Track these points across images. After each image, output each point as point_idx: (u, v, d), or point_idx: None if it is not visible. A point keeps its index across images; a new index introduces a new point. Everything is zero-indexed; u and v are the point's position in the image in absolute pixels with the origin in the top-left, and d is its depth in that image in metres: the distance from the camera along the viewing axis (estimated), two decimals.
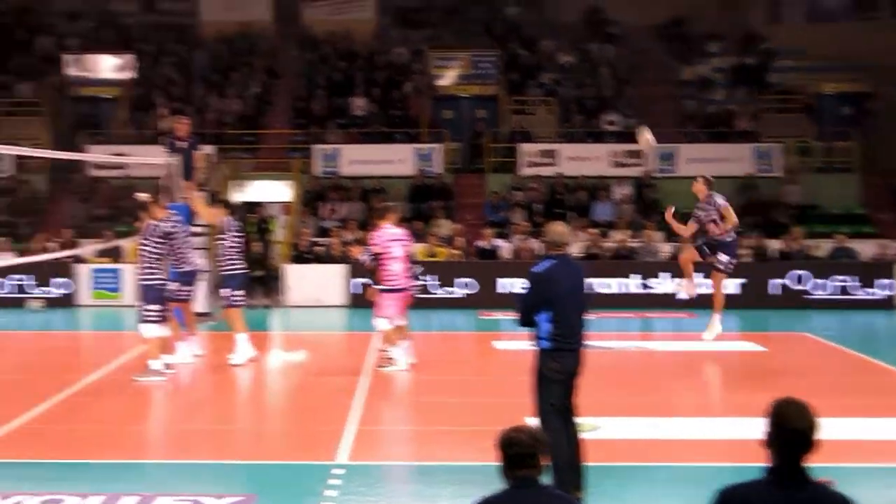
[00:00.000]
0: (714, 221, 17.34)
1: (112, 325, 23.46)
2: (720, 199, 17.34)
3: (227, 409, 14.49)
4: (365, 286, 19.32)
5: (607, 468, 10.70)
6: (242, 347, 17.19)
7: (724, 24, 37.16)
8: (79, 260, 25.87)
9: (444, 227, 28.05)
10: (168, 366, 16.01)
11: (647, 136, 17.96)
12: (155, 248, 15.62)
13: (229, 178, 31.10)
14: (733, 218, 17.23)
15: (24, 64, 35.73)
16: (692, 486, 10.27)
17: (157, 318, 15.59)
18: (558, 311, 9.28)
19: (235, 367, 17.01)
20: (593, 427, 12.29)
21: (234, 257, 17.37)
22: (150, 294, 15.60)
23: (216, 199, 19.64)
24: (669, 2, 36.92)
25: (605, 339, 18.84)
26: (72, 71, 35.07)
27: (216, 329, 19.13)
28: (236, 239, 17.46)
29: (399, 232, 16.49)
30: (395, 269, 16.13)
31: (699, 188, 17.53)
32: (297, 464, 11.37)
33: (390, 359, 16.46)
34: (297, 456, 11.67)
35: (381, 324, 16.45)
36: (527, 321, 9.45)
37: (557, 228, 9.67)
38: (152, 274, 15.60)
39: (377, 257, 16.13)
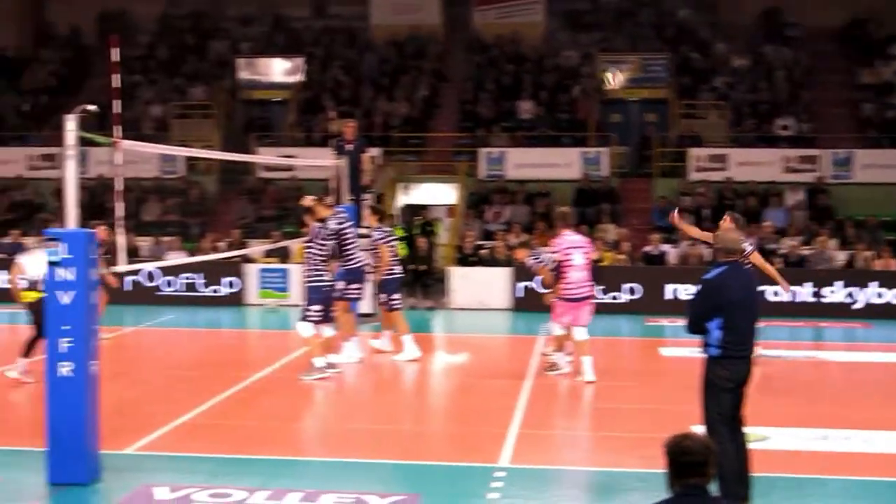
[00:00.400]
0: None
1: (279, 324, 23.76)
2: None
3: (390, 409, 14.49)
4: (543, 294, 18.79)
5: (775, 479, 10.41)
6: (409, 347, 17.36)
7: None
8: (247, 260, 26.28)
9: (610, 231, 27.74)
10: (332, 365, 16.10)
11: None
12: (320, 249, 15.79)
13: (395, 181, 31.33)
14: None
15: (198, 68, 36.54)
16: (863, 501, 9.95)
17: (317, 318, 15.76)
18: (729, 318, 9.05)
19: (400, 364, 17.12)
20: (762, 437, 11.97)
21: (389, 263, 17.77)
22: (315, 295, 15.77)
23: (375, 207, 19.97)
24: (849, 3, 35.86)
25: (775, 349, 18.38)
26: (244, 74, 35.74)
27: (377, 330, 19.21)
28: (391, 244, 18.00)
29: (579, 239, 15.92)
30: (575, 278, 15.41)
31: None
32: (460, 465, 11.29)
33: (554, 363, 16.13)
34: (460, 457, 11.59)
35: (554, 328, 15.97)
36: (696, 328, 9.24)
37: (730, 235, 9.47)
38: (318, 275, 15.75)
39: (558, 265, 15.52)
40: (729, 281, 9.11)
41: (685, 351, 19.01)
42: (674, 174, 31.35)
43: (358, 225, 19.17)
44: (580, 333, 15.62)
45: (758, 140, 31.93)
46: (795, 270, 25.26)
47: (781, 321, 22.65)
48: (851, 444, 12.20)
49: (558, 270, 15.50)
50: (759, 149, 31.30)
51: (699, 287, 9.28)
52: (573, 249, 15.45)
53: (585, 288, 15.53)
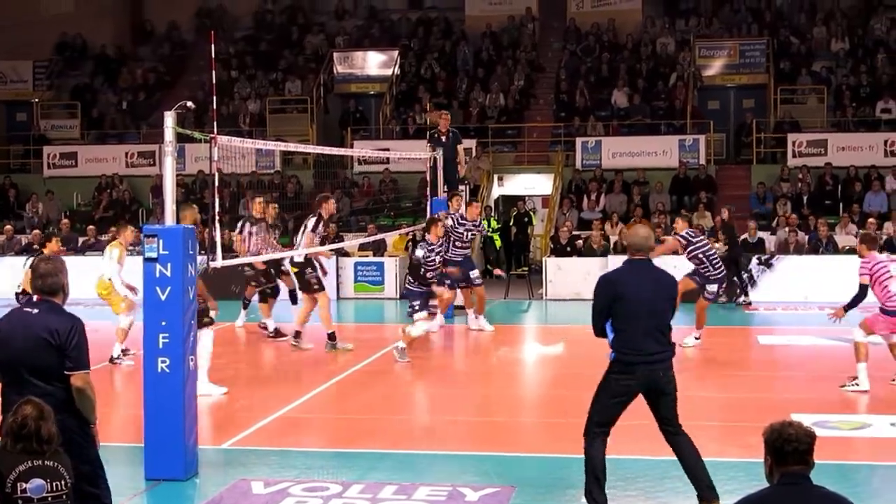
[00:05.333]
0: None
1: (375, 317, 23.85)
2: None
3: (485, 401, 14.49)
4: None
5: (875, 467, 10.25)
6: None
7: None
8: (343, 253, 26.39)
9: (707, 219, 27.45)
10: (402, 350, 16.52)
11: None
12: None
13: (491, 172, 31.31)
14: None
15: (294, 62, 36.80)
16: None
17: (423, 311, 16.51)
18: (620, 318, 8.90)
19: (497, 355, 17.19)
20: (861, 424, 11.84)
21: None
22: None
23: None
24: None
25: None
26: (339, 68, 35.92)
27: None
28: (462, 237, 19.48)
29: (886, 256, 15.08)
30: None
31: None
32: (555, 456, 11.25)
33: (856, 378, 14.15)
34: (555, 448, 11.54)
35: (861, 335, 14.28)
36: (596, 328, 9.21)
37: (639, 231, 9.08)
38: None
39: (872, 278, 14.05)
40: (624, 277, 8.86)
41: (784, 339, 18.79)
42: (772, 160, 30.99)
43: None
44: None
45: (858, 124, 31.42)
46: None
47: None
48: None
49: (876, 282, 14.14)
50: (860, 133, 30.80)
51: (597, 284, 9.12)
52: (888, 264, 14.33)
53: None
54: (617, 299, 8.75)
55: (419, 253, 16.77)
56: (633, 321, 8.74)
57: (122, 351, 16.68)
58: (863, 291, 14.03)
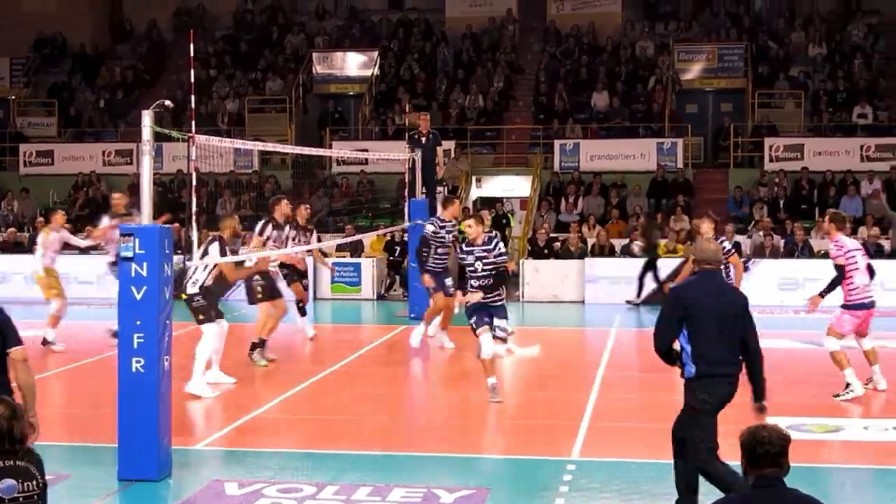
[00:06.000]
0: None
1: (351, 318, 23.84)
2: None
3: (460, 403, 14.49)
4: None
5: (848, 470, 10.33)
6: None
7: None
8: (320, 254, 26.32)
9: (685, 223, 27.55)
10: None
11: None
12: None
13: (469, 174, 31.33)
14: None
15: (274, 62, 36.76)
16: None
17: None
18: (698, 331, 8.61)
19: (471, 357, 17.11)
20: (835, 428, 11.90)
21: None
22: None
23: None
24: None
25: (848, 339, 18.11)
26: (319, 68, 35.89)
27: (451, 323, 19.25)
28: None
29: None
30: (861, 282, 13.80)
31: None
32: (530, 458, 11.29)
33: (848, 385, 13.91)
34: (531, 451, 11.58)
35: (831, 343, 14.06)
36: (661, 344, 8.78)
37: (710, 245, 9.08)
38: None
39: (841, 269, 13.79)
40: (697, 289, 8.67)
41: (767, 342, 18.77)
42: (750, 164, 31.15)
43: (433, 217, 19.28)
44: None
45: (835, 129, 31.58)
46: None
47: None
48: None
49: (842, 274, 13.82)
50: (836, 138, 30.95)
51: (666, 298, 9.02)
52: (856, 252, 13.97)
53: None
54: (690, 313, 8.52)
55: (429, 228, 16.84)
56: (710, 333, 8.51)
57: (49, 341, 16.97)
58: (840, 273, 13.67)
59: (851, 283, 13.67)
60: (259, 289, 16.20)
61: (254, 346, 16.28)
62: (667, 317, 8.66)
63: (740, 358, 8.63)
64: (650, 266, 24.44)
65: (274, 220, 16.56)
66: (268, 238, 16.32)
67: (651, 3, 37.53)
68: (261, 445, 11.83)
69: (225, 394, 14.46)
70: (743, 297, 8.86)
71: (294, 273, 17.97)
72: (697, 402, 8.56)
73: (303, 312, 18.52)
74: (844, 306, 13.81)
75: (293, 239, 17.06)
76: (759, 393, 8.70)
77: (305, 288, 18.72)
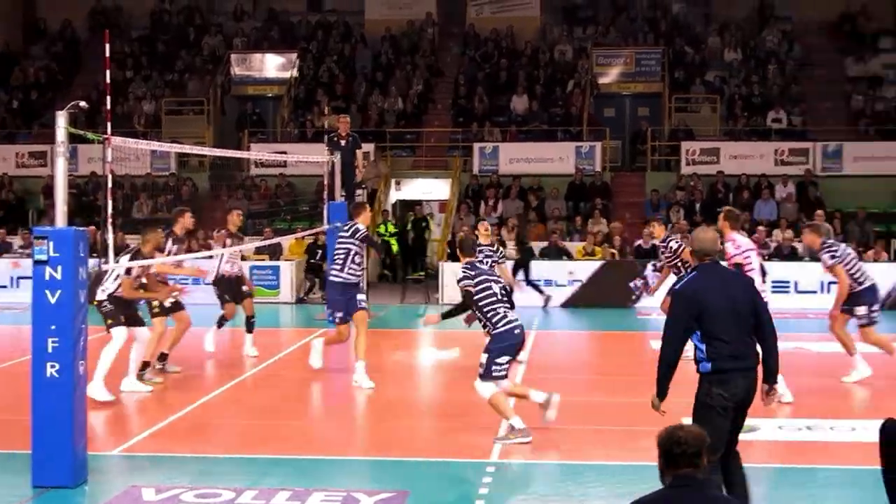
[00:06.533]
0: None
1: (270, 321, 23.68)
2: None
3: (379, 406, 14.46)
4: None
5: (762, 469, 10.56)
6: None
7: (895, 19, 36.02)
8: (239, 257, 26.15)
9: (603, 225, 27.77)
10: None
11: None
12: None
13: (388, 176, 31.31)
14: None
15: (191, 63, 36.47)
16: (850, 489, 10.16)
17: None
18: (711, 327, 8.23)
19: (390, 361, 17.06)
20: (750, 428, 12.01)
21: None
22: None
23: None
24: None
25: None
26: (237, 70, 35.68)
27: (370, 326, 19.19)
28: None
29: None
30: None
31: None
32: (450, 461, 11.29)
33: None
34: (451, 453, 11.58)
35: None
36: (672, 347, 8.38)
37: (707, 235, 8.64)
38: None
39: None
40: (703, 286, 8.30)
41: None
42: (667, 168, 31.46)
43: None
44: None
45: (749, 133, 32.00)
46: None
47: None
48: (837, 434, 12.29)
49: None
50: (751, 142, 31.38)
51: (672, 298, 8.59)
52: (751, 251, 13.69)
53: None
54: (702, 311, 8.15)
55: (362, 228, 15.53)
56: (724, 327, 8.16)
57: None
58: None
59: None
60: (156, 303, 15.29)
61: (145, 366, 15.11)
62: (679, 320, 8.25)
63: (757, 350, 8.31)
64: (521, 266, 24.55)
65: (174, 234, 15.51)
66: (168, 253, 15.24)
67: (569, 8, 37.77)
68: (179, 450, 11.69)
69: (141, 399, 14.30)
70: (748, 279, 8.72)
71: (231, 289, 17.35)
72: (713, 397, 8.16)
73: (250, 328, 17.75)
74: None
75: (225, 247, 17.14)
76: (772, 375, 8.39)
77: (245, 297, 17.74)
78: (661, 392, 8.34)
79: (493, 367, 11.46)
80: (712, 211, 28.64)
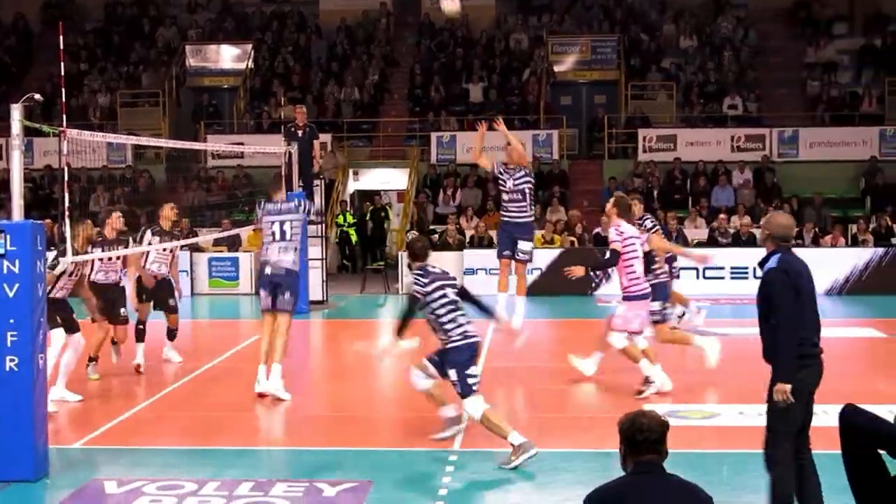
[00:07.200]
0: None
1: (230, 313, 23.64)
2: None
3: (341, 397, 14.45)
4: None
5: (724, 455, 10.74)
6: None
7: (850, 6, 36.25)
8: (196, 249, 26.07)
9: (561, 213, 27.82)
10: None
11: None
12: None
13: (346, 167, 31.26)
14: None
15: (146, 55, 36.25)
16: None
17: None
18: (801, 310, 7.98)
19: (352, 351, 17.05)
20: (710, 414, 12.10)
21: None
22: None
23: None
24: None
25: (723, 327, 18.52)
26: (192, 61, 35.51)
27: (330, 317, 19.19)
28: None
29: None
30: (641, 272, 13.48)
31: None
32: (412, 450, 11.29)
33: (647, 379, 13.58)
34: (413, 443, 11.58)
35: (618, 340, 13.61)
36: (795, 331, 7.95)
37: (782, 220, 8.32)
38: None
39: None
40: (797, 267, 8.04)
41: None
42: (624, 155, 31.57)
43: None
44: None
45: (706, 120, 32.16)
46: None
47: (730, 299, 22.82)
48: None
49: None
50: (708, 129, 31.53)
51: (770, 280, 8.03)
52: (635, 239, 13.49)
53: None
54: (798, 293, 7.90)
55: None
56: (809, 312, 7.97)
57: None
58: (613, 258, 13.10)
59: (633, 273, 13.23)
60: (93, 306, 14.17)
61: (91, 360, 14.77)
62: (791, 297, 7.89)
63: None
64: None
65: (104, 237, 14.77)
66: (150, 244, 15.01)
67: None
68: (140, 443, 11.66)
69: (103, 392, 14.23)
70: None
71: (157, 296, 15.92)
72: (801, 382, 7.89)
73: (171, 336, 16.42)
74: (626, 298, 13.33)
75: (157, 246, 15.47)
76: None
77: (174, 309, 16.22)
78: (792, 378, 7.94)
79: (469, 380, 10.77)
80: (670, 197, 28.91)
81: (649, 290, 13.55)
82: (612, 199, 13.71)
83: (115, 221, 14.86)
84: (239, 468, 10.49)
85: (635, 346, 13.50)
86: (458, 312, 10.90)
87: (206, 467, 10.52)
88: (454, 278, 11.24)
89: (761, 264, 8.12)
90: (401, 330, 11.11)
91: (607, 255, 13.33)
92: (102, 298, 14.43)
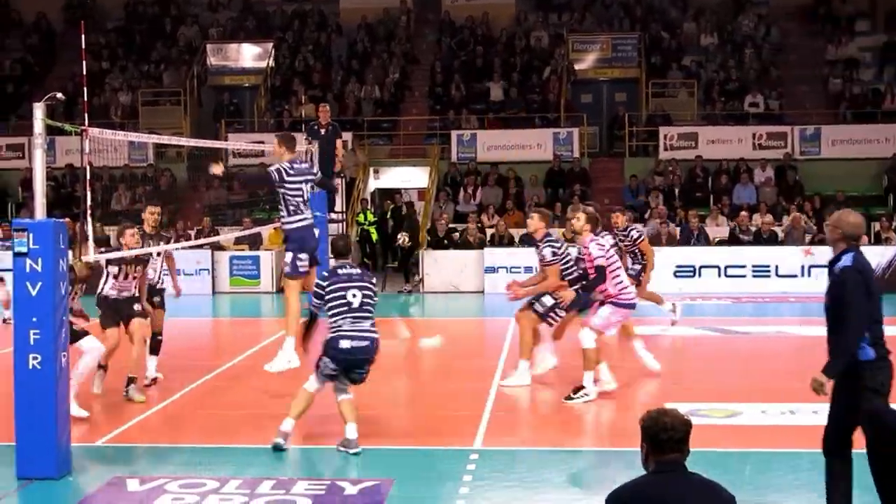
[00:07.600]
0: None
1: (251, 311, 23.68)
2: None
3: (363, 395, 14.43)
4: None
5: (747, 454, 10.64)
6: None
7: (871, 3, 36.09)
8: (217, 247, 26.14)
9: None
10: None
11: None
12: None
13: (366, 165, 31.27)
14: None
15: (167, 54, 36.34)
16: None
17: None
18: (873, 311, 7.93)
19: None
20: (732, 413, 12.08)
21: None
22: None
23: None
24: None
25: (744, 325, 18.46)
26: (213, 60, 35.57)
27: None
28: None
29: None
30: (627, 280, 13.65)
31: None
32: (433, 449, 11.30)
33: (583, 386, 13.36)
34: (434, 441, 11.59)
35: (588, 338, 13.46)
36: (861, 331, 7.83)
37: (852, 219, 8.11)
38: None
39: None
40: (869, 266, 7.92)
41: (656, 329, 19.02)
42: (645, 153, 31.50)
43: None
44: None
45: (727, 118, 32.06)
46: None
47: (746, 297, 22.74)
48: (819, 418, 12.25)
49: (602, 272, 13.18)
50: (729, 126, 31.43)
51: (843, 279, 7.88)
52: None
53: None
54: (870, 292, 7.82)
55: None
56: (879, 311, 7.88)
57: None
58: (602, 274, 13.03)
59: (620, 282, 13.24)
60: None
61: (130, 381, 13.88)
62: (862, 297, 7.78)
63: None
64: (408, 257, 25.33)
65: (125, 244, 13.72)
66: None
67: None
68: (162, 441, 11.70)
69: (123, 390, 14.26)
70: None
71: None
72: (878, 384, 7.78)
73: (155, 350, 14.86)
74: (614, 304, 13.26)
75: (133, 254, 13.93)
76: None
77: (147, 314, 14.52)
78: (835, 376, 7.90)
79: (322, 366, 11.26)
80: (692, 195, 28.84)
81: (635, 299, 13.64)
82: (580, 216, 13.43)
83: (151, 217, 14.58)
84: (260, 466, 10.50)
85: (598, 351, 13.36)
86: (350, 317, 11.13)
87: (227, 465, 10.55)
88: (364, 284, 11.23)
89: (832, 264, 8.02)
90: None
91: (594, 273, 13.17)
92: (114, 314, 13.52)
